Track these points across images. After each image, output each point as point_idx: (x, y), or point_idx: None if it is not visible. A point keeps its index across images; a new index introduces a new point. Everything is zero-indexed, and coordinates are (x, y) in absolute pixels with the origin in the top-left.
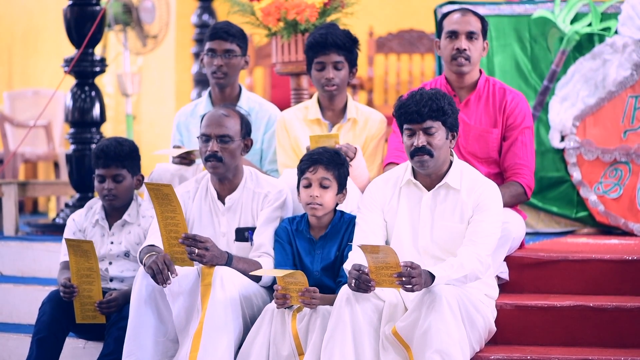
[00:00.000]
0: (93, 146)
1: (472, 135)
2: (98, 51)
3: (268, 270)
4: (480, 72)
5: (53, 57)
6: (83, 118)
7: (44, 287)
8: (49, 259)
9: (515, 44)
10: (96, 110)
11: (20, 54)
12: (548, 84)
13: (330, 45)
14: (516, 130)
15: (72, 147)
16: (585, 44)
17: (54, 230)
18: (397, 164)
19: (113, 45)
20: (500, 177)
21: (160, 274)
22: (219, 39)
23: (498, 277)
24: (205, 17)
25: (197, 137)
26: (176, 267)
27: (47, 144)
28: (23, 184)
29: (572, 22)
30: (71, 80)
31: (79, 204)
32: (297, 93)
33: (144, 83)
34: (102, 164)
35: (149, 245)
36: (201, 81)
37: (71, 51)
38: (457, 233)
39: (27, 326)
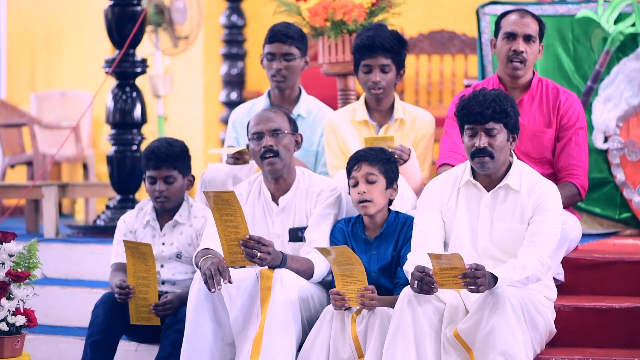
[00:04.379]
0: (134, 147)
1: (526, 135)
2: (142, 52)
3: (338, 248)
4: (533, 72)
5: (77, 58)
6: (124, 119)
7: (92, 290)
8: (93, 261)
9: (558, 45)
10: (137, 111)
11: (43, 55)
12: (592, 85)
13: (377, 48)
14: (570, 130)
15: (113, 148)
16: (629, 44)
17: (96, 232)
18: (451, 165)
19: (143, 46)
20: (553, 177)
21: (211, 278)
22: (277, 42)
23: (554, 279)
24: (234, 18)
25: (249, 140)
26: (235, 269)
27: (75, 145)
28: (63, 185)
29: (616, 22)
30: (94, 82)
31: (120, 205)
32: (344, 94)
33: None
34: (153, 165)
35: (204, 249)
36: (230, 82)
37: (94, 52)
38: (517, 234)
39: (75, 329)
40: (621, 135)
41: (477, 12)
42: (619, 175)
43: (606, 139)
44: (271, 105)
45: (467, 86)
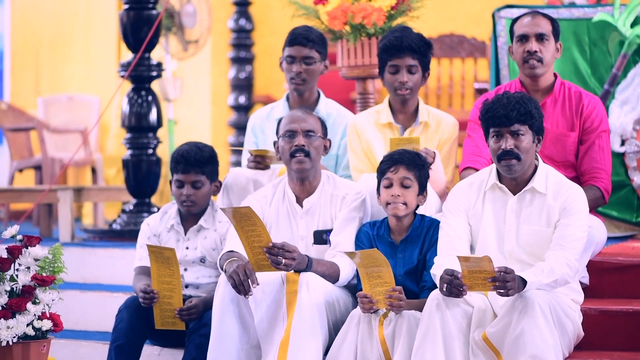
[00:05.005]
0: (150, 151)
1: (549, 138)
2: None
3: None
4: (555, 75)
5: (82, 63)
6: (140, 123)
7: (112, 294)
8: (112, 265)
9: (574, 48)
10: (153, 115)
11: (48, 59)
12: (609, 88)
13: (405, 48)
14: (593, 133)
15: (128, 152)
16: None
17: (112, 236)
18: (475, 169)
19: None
20: (576, 180)
21: (241, 285)
22: (298, 45)
23: (579, 282)
24: (242, 21)
25: (279, 138)
26: (260, 273)
27: (83, 149)
28: (78, 189)
29: (632, 25)
30: (101, 86)
31: (136, 209)
32: (363, 97)
33: None
34: (181, 169)
35: (229, 252)
36: (238, 86)
37: (100, 56)
38: (544, 237)
39: (96, 333)
40: (638, 139)
41: (493, 16)
42: (636, 179)
43: (623, 142)
44: (290, 109)
45: (478, 90)
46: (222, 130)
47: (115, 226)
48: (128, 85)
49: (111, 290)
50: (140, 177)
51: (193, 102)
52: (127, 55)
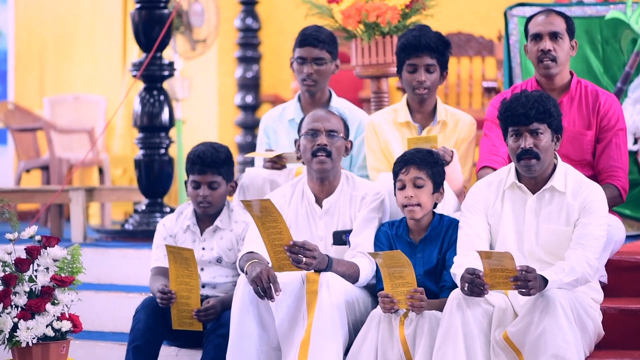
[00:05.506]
0: (162, 151)
1: (566, 137)
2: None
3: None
4: (571, 73)
5: (87, 63)
6: (152, 122)
7: (128, 294)
8: (127, 265)
9: (586, 46)
10: (165, 115)
11: (52, 59)
12: (622, 86)
13: (423, 47)
14: (610, 132)
15: (140, 152)
16: None
17: (125, 236)
18: (492, 168)
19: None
20: (593, 179)
21: (264, 292)
22: (308, 46)
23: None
24: (249, 21)
25: (300, 136)
26: (280, 273)
27: (90, 149)
28: (90, 189)
29: None
30: (106, 85)
31: (149, 209)
32: (377, 96)
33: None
34: (197, 170)
35: (249, 252)
36: (245, 85)
37: (105, 56)
38: (564, 236)
39: (112, 334)
40: None
41: (505, 14)
42: None
43: (636, 141)
44: (302, 109)
45: (487, 89)
46: (229, 130)
47: (128, 226)
48: (136, 85)
49: (126, 291)
50: (153, 177)
51: (199, 102)
52: (133, 55)
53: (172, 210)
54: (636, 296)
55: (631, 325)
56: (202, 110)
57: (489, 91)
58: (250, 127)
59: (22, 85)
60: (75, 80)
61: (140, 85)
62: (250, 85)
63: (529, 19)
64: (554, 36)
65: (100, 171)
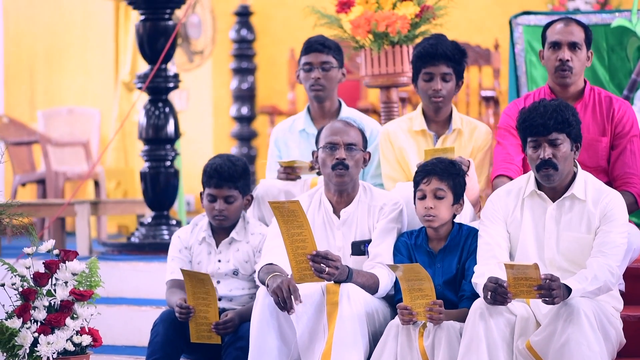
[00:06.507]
0: (167, 163)
1: (581, 144)
2: (143, 67)
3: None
4: (585, 81)
5: (80, 75)
6: (157, 135)
7: (140, 308)
8: (136, 278)
9: None
10: (170, 127)
11: (43, 72)
12: (628, 94)
13: (440, 56)
14: (625, 138)
15: (146, 164)
16: None
17: (131, 249)
18: (507, 176)
19: None
20: (609, 186)
21: (284, 302)
22: (315, 52)
23: None
24: (244, 32)
25: (319, 148)
26: (301, 285)
27: (86, 162)
28: (95, 202)
29: None
30: (99, 98)
31: (154, 222)
32: (386, 106)
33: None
34: (214, 184)
35: (268, 264)
36: (240, 97)
37: (98, 68)
38: (585, 244)
39: (126, 347)
40: None
41: (510, 23)
42: None
43: None
44: (312, 120)
45: (484, 97)
46: (224, 141)
47: (134, 239)
48: (128, 96)
49: (138, 304)
50: (159, 189)
51: (195, 114)
52: (126, 67)
53: (178, 223)
54: None
55: None
56: (197, 122)
57: (487, 100)
58: (246, 138)
59: (12, 98)
60: (67, 93)
61: (142, 97)
62: (246, 96)
63: (547, 25)
64: (573, 46)
65: (96, 184)
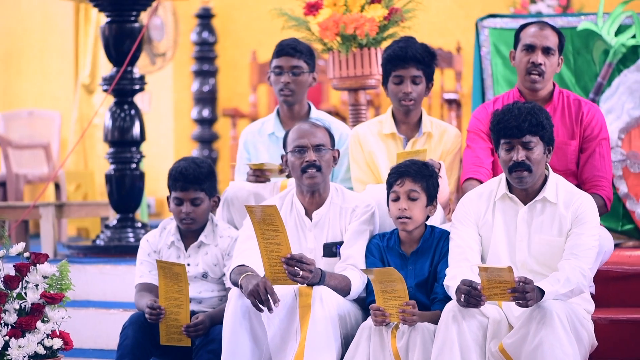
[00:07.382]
0: (133, 165)
1: (553, 147)
2: (107, 70)
3: (382, 269)
4: (554, 84)
5: (39, 78)
6: (123, 137)
7: (108, 311)
8: (103, 281)
9: None
10: (136, 129)
11: (1, 75)
12: (594, 97)
13: (409, 59)
14: (594, 141)
15: (111, 166)
16: (629, 56)
17: (97, 252)
18: (476, 179)
19: None
20: (578, 189)
21: (262, 303)
22: (285, 56)
23: None
24: (205, 34)
25: (287, 152)
26: (274, 286)
27: (46, 164)
28: (60, 205)
29: (616, 34)
30: (59, 100)
31: (120, 225)
32: (354, 109)
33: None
34: (180, 186)
35: (239, 266)
36: (201, 99)
37: (57, 71)
38: (556, 247)
39: (93, 351)
40: (623, 147)
41: (477, 25)
42: (622, 187)
43: None
44: (281, 123)
45: (447, 100)
46: (185, 143)
47: (99, 242)
48: (88, 99)
49: (106, 307)
50: (124, 192)
51: (155, 116)
52: (85, 70)
53: (143, 226)
54: (624, 306)
55: (622, 335)
56: (157, 125)
57: (450, 103)
58: (207, 140)
59: None
60: (26, 95)
61: (107, 99)
62: (207, 99)
63: (522, 27)
64: (547, 51)
65: (57, 187)
